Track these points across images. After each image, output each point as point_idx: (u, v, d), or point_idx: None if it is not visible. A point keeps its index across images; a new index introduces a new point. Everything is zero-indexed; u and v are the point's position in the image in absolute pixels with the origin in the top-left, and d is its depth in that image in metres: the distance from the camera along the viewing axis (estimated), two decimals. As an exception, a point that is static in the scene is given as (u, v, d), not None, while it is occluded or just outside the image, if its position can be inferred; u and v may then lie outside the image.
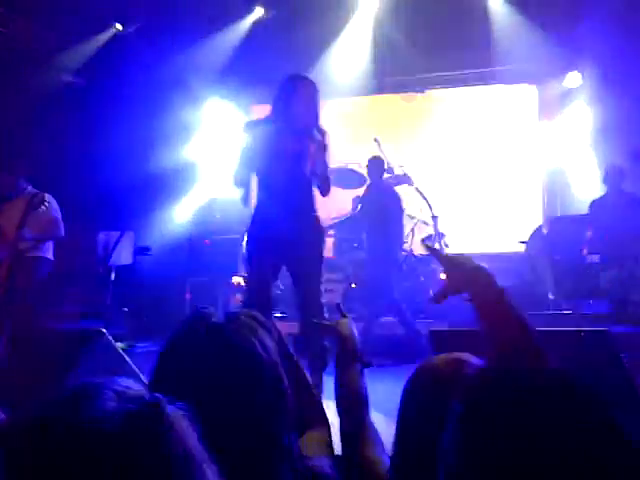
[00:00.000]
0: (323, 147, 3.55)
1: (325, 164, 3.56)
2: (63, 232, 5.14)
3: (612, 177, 5.56)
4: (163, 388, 0.98)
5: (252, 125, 3.71)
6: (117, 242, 6.13)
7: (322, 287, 3.53)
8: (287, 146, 3.51)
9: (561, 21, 6.38)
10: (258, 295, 3.47)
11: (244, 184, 3.64)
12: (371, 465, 1.28)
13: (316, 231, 3.57)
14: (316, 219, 3.58)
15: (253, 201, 3.73)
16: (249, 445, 0.98)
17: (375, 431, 1.42)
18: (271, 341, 1.09)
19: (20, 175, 5.15)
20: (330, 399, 3.28)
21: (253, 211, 3.66)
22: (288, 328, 4.44)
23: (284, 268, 3.62)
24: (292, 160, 3.51)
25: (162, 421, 0.65)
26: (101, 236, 6.38)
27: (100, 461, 0.59)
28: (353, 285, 6.07)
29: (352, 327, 1.60)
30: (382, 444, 1.36)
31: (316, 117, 3.56)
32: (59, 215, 5.11)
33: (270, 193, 3.55)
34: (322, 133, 3.57)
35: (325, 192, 3.61)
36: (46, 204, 4.92)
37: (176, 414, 0.68)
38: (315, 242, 3.54)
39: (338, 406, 1.48)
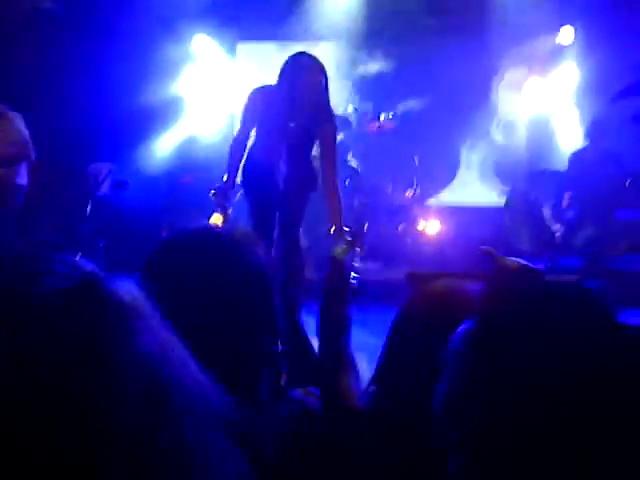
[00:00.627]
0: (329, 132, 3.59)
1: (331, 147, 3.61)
2: (33, 155, 4.91)
3: (594, 132, 5.56)
4: (150, 283, 1.00)
5: (258, 93, 3.69)
6: (107, 174, 6.01)
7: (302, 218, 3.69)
8: (290, 133, 3.53)
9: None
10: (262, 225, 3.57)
11: (238, 154, 3.71)
12: (345, 396, 1.27)
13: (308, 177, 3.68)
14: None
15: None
16: (231, 345, 0.97)
17: (353, 361, 1.42)
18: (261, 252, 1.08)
19: None
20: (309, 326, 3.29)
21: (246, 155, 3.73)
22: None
23: None
24: (293, 146, 3.56)
25: (100, 300, 0.53)
26: (91, 168, 6.25)
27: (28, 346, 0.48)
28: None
29: (348, 255, 1.60)
30: (359, 375, 1.37)
31: (322, 103, 3.54)
32: (26, 135, 4.85)
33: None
34: (329, 119, 3.58)
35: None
36: (6, 116, 4.67)
37: (124, 292, 0.56)
38: (304, 182, 3.64)
39: (318, 332, 1.47)
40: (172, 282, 0.98)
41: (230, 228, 1.11)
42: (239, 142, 3.74)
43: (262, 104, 3.61)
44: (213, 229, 1.12)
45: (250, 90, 3.82)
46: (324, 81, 3.56)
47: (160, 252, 1.07)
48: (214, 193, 3.58)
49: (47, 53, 6.69)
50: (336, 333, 1.44)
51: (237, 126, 3.89)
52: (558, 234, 5.52)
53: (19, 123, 4.81)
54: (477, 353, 0.68)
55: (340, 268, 1.56)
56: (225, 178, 3.71)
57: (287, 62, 3.61)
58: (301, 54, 3.68)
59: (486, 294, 0.80)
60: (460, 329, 0.71)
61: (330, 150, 3.62)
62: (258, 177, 3.65)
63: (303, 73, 3.49)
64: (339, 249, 1.62)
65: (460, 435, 0.66)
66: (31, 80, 6.49)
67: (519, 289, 0.74)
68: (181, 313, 0.95)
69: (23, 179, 4.96)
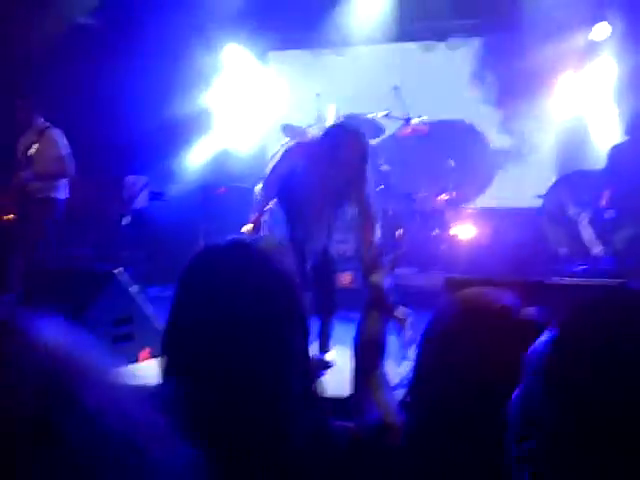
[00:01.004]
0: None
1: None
2: (72, 170, 5.06)
3: (635, 127, 5.40)
4: (185, 293, 1.07)
5: (299, 149, 3.78)
6: (144, 187, 6.13)
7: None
8: (323, 207, 3.58)
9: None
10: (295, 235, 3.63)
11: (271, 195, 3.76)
12: (380, 408, 1.28)
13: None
14: None
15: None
16: (260, 353, 1.00)
17: (387, 380, 1.43)
18: (288, 260, 1.12)
19: (35, 111, 5.11)
20: (341, 344, 3.30)
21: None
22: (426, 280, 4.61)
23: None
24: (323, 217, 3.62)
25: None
26: (128, 180, 6.38)
27: None
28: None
29: (384, 278, 1.64)
30: (393, 392, 1.38)
31: (362, 181, 3.56)
32: (67, 151, 5.02)
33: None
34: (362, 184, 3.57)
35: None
36: (49, 133, 4.84)
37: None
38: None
39: (354, 349, 1.49)
40: (205, 293, 1.05)
41: (259, 238, 1.14)
42: (270, 186, 3.77)
43: (302, 158, 3.64)
44: (242, 240, 1.13)
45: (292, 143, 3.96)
46: (365, 156, 3.59)
47: (193, 265, 1.12)
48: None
49: (82, 67, 6.87)
50: (373, 354, 1.45)
51: (271, 138, 3.92)
52: (594, 238, 5.38)
53: (60, 139, 4.97)
54: (567, 362, 0.66)
55: (379, 295, 1.60)
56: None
57: (332, 135, 3.62)
58: (347, 129, 3.70)
59: (570, 303, 0.78)
60: (543, 339, 0.70)
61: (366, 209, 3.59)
62: (292, 187, 3.66)
63: (347, 149, 3.50)
64: (376, 276, 1.66)
65: (541, 444, 0.65)
66: (68, 93, 6.66)
67: (603, 299, 0.72)
68: (214, 322, 1.00)
69: (63, 193, 5.10)
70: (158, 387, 1.01)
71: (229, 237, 1.15)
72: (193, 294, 1.07)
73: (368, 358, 1.45)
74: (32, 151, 4.85)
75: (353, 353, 1.49)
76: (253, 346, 0.99)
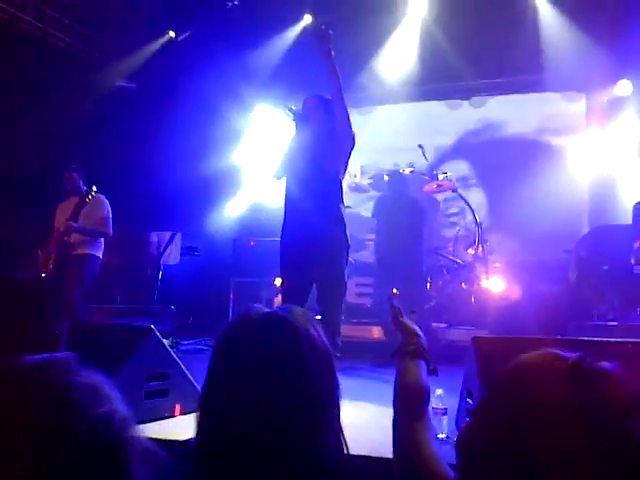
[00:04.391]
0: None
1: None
2: (111, 231, 5.33)
3: None
4: (221, 372, 1.08)
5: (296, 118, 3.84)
6: (169, 242, 6.32)
7: (342, 297, 3.64)
8: (307, 161, 3.67)
9: (611, 28, 6.29)
10: (294, 299, 3.58)
11: (280, 177, 3.87)
12: (428, 463, 1.21)
13: (336, 246, 3.61)
14: (338, 231, 3.63)
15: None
16: (296, 422, 1.02)
17: (432, 427, 1.36)
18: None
19: (80, 175, 5.40)
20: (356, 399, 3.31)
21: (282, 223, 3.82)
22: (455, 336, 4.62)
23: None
24: (312, 172, 3.64)
25: None
26: (153, 236, 6.60)
27: None
28: (395, 291, 6.07)
29: (419, 331, 1.56)
30: (439, 440, 1.29)
31: (328, 122, 3.67)
32: (110, 215, 5.31)
33: (293, 208, 3.72)
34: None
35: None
36: (93, 195, 5.12)
37: None
38: (335, 257, 3.60)
39: (396, 398, 1.40)
40: (240, 369, 1.06)
41: (293, 310, 1.15)
42: None
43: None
44: (278, 314, 1.12)
45: None
46: (324, 106, 3.71)
47: (228, 336, 1.13)
48: None
49: (122, 128, 7.20)
50: (416, 397, 1.38)
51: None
52: (628, 288, 5.34)
53: (105, 202, 5.29)
54: None
55: (413, 338, 1.53)
56: None
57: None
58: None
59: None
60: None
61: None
62: (292, 240, 3.69)
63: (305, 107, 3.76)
64: (410, 322, 1.61)
65: None
66: (105, 153, 6.96)
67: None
68: (249, 401, 1.02)
69: (101, 252, 5.33)
70: (191, 443, 1.05)
71: (263, 310, 1.14)
72: (228, 367, 1.08)
73: (412, 407, 1.36)
74: (79, 213, 5.11)
75: (394, 404, 1.40)
76: (288, 423, 1.00)
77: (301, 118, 3.75)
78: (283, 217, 3.79)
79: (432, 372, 1.48)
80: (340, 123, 3.61)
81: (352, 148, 3.72)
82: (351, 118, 3.64)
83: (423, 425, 1.30)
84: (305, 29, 7.47)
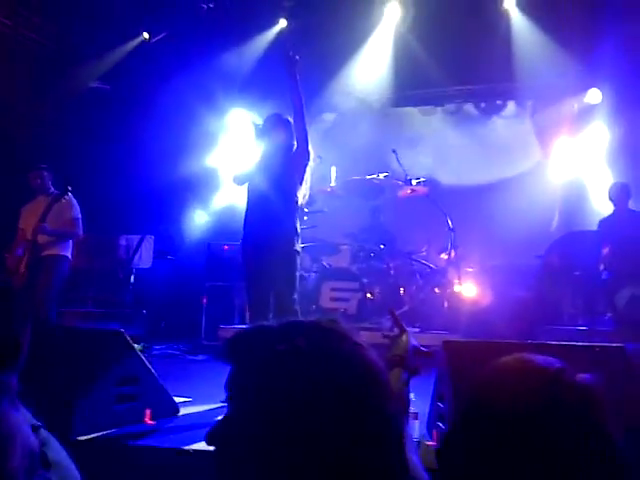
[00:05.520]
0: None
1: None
2: (82, 232, 5.26)
3: (617, 194, 5.53)
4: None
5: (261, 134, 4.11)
6: (139, 245, 6.25)
7: (295, 305, 3.87)
8: (266, 177, 3.95)
9: (581, 38, 6.42)
10: (256, 304, 3.88)
11: (241, 184, 4.18)
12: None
13: (288, 257, 3.87)
14: (290, 243, 3.89)
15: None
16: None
17: (411, 439, 1.35)
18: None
19: (49, 175, 5.32)
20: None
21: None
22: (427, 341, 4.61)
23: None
24: (270, 186, 3.91)
25: None
26: (122, 239, 6.52)
27: None
28: (369, 295, 6.10)
29: (410, 338, 1.55)
30: (417, 454, 1.27)
31: (286, 140, 3.97)
32: (79, 215, 5.23)
33: (251, 221, 4.03)
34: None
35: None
36: (66, 198, 5.06)
37: None
38: (287, 266, 3.86)
39: None
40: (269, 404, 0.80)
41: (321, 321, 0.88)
42: None
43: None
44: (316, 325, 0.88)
45: None
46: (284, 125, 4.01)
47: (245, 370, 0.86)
48: None
49: (94, 130, 7.10)
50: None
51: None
52: (598, 294, 5.45)
53: (74, 204, 5.21)
54: None
55: (396, 349, 1.53)
56: None
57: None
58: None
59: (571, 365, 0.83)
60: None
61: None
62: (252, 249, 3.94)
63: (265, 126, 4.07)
64: (404, 336, 1.61)
65: None
66: (77, 155, 6.86)
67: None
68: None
69: (69, 251, 5.25)
70: None
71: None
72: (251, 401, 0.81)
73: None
74: (47, 214, 5.03)
75: None
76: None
77: (262, 134, 4.07)
78: (243, 227, 4.09)
79: (413, 372, 1.48)
80: (298, 140, 3.96)
81: (307, 164, 4.01)
82: (309, 136, 3.96)
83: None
84: (284, 30, 7.50)
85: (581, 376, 0.85)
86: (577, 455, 0.78)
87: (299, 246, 3.94)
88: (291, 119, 4.00)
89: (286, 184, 3.94)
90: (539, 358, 0.87)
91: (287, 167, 3.93)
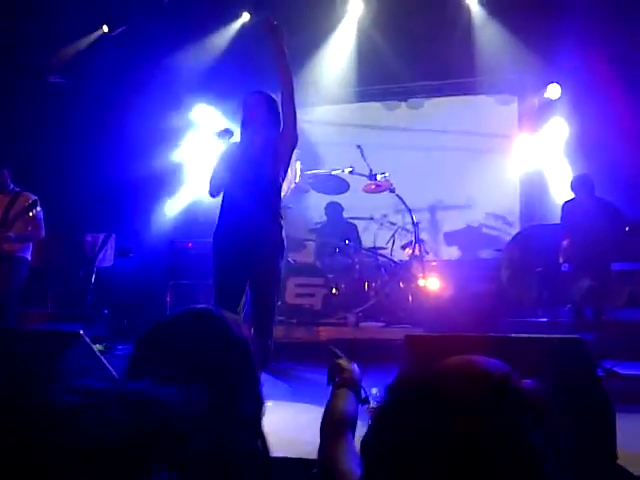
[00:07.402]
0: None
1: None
2: (44, 232, 5.15)
3: (580, 187, 5.59)
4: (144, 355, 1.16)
5: (223, 135, 3.81)
6: (103, 244, 6.13)
7: (276, 298, 3.69)
8: (248, 162, 3.64)
9: (541, 33, 6.51)
10: (228, 298, 3.58)
11: (218, 193, 3.79)
12: (346, 478, 1.26)
13: (273, 246, 3.62)
14: (275, 232, 3.64)
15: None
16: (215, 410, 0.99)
17: (353, 448, 1.40)
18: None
19: (9, 173, 5.17)
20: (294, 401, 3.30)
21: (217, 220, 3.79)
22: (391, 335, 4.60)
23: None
24: (253, 172, 3.62)
25: None
26: (89, 236, 6.38)
27: None
28: (334, 290, 6.09)
29: (354, 367, 1.71)
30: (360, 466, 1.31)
31: (270, 122, 3.66)
32: (42, 215, 5.12)
33: (232, 207, 3.70)
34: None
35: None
36: (37, 210, 4.93)
37: None
38: (271, 256, 3.61)
39: (322, 420, 1.51)
40: (164, 351, 1.14)
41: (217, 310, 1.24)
42: None
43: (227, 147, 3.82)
44: (200, 311, 1.22)
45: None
46: (265, 102, 3.69)
47: (154, 329, 1.21)
48: None
49: (54, 125, 6.94)
50: (338, 428, 1.47)
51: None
52: (558, 286, 5.54)
53: (40, 208, 5.08)
54: None
55: (346, 373, 1.68)
56: None
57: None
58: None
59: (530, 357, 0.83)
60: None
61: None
62: (227, 239, 3.67)
63: (246, 105, 3.73)
64: (345, 360, 1.75)
65: None
66: (36, 151, 6.70)
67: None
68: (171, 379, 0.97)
69: (29, 252, 5.13)
70: None
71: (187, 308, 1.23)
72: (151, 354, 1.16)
73: (335, 429, 1.46)
74: (8, 214, 4.89)
75: (321, 425, 1.50)
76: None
77: (242, 123, 3.74)
78: (218, 216, 3.75)
79: (363, 402, 1.63)
80: (286, 123, 3.60)
81: (293, 149, 3.71)
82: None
83: (344, 446, 1.39)
84: (248, 24, 7.42)
85: (525, 382, 0.84)
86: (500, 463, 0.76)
87: (284, 236, 3.67)
88: (277, 98, 3.67)
89: (271, 171, 3.63)
90: (485, 362, 0.85)
91: (273, 152, 3.61)
